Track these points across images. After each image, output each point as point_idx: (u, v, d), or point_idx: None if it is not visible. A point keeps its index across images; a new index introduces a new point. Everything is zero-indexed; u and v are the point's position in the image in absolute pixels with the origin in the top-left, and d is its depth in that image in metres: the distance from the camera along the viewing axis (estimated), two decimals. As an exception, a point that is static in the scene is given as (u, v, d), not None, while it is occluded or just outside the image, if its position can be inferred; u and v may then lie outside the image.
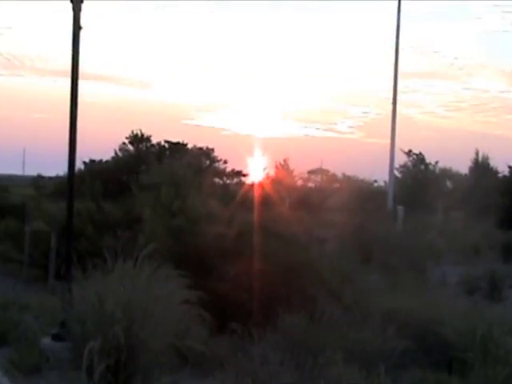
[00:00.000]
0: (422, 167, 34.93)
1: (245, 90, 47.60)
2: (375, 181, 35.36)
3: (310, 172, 37.78)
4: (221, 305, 8.48)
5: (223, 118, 46.99)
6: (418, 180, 32.17)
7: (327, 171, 38.59)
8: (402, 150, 33.58)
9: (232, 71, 51.61)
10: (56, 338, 7.70)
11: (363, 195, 29.53)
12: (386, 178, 27.89)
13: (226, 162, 30.51)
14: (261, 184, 19.32)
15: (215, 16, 51.54)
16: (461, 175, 34.95)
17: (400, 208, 21.62)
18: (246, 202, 13.31)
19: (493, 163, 33.58)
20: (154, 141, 28.97)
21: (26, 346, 7.93)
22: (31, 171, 34.14)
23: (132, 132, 28.85)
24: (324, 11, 50.47)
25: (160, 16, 49.73)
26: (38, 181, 30.52)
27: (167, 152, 27.91)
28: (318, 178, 38.54)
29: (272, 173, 31.96)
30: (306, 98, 56.20)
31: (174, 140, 29.12)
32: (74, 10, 8.23)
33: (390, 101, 26.00)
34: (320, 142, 47.87)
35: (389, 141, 26.04)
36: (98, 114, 40.58)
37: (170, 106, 49.22)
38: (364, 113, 55.63)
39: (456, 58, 57.26)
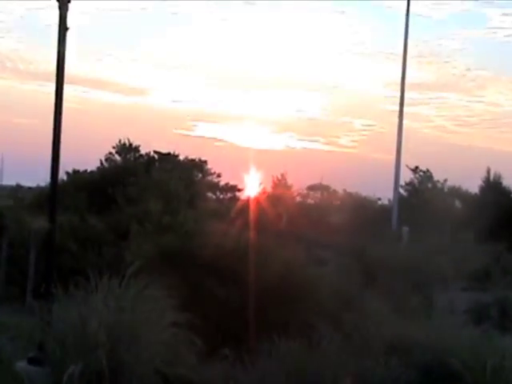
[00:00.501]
0: (430, 185, 34.99)
1: (241, 99, 47.67)
2: (379, 199, 35.40)
3: (309, 188, 37.82)
4: (212, 328, 8.47)
5: (217, 129, 46.96)
6: (424, 199, 32.19)
7: (328, 187, 38.64)
8: (407, 167, 33.64)
9: (228, 79, 51.71)
10: (33, 361, 7.64)
11: (366, 214, 29.57)
12: (391, 195, 27.91)
13: (219, 175, 30.59)
14: (257, 200, 19.33)
15: (214, 17, 51.64)
16: (471, 194, 34.98)
17: (405, 229, 21.61)
18: (241, 218, 13.31)
19: (505, 182, 33.67)
20: (143, 151, 29.00)
21: (0, 370, 7.88)
22: (9, 180, 34.02)
23: (119, 141, 28.86)
24: (328, 13, 50.64)
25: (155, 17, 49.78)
26: (17, 191, 30.44)
27: (156, 163, 27.91)
28: (318, 194, 38.57)
29: (269, 188, 32.07)
30: (307, 110, 56.33)
31: (164, 150, 29.16)
32: (60, 9, 8.24)
33: (396, 114, 26.13)
34: (320, 156, 47.86)
35: (394, 156, 26.12)
36: (83, 121, 40.54)
37: (160, 114, 49.25)
38: (368, 126, 55.69)
39: (468, 69, 57.37)
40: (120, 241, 11.68)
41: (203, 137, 49.18)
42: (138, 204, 13.02)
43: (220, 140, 52.94)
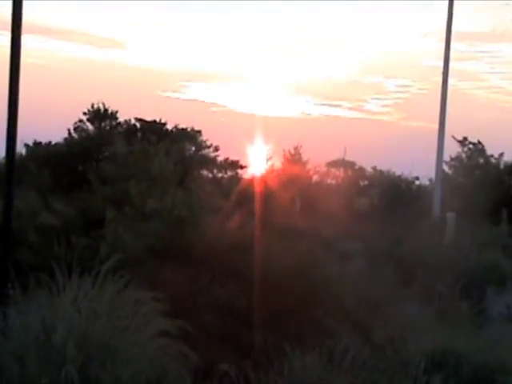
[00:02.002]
0: (481, 161, 34.97)
1: (245, 54, 47.61)
2: (417, 178, 35.40)
3: (329, 164, 37.86)
4: (209, 339, 8.51)
5: (214, 90, 46.99)
6: (474, 178, 32.19)
7: (353, 164, 38.67)
8: (453, 138, 33.68)
9: (228, 29, 51.59)
10: (-16, 380, 7.68)
11: (400, 197, 29.59)
12: (432, 174, 28.01)
13: (217, 148, 30.57)
14: (263, 179, 19.39)
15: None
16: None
17: (450, 215, 21.65)
18: (244, 202, 13.33)
19: None
20: (122, 118, 29.01)
21: None
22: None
23: (92, 106, 28.88)
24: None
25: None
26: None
27: (138, 133, 27.93)
28: (341, 172, 38.62)
29: (279, 164, 32.12)
30: (327, 67, 56.14)
31: (148, 118, 29.17)
32: None
33: (440, 71, 26.08)
34: (344, 124, 47.89)
35: (436, 125, 26.14)
36: (46, 81, 40.56)
37: (143, 72, 49.23)
38: (403, 87, 55.62)
39: (532, 14, 57.05)
40: (93, 229, 11.71)
41: (196, 100, 49.27)
42: (116, 184, 13.01)
43: (218, 105, 52.99)
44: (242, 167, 29.81)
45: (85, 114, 28.91)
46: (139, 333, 7.06)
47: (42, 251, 11.30)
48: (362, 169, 38.15)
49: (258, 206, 12.49)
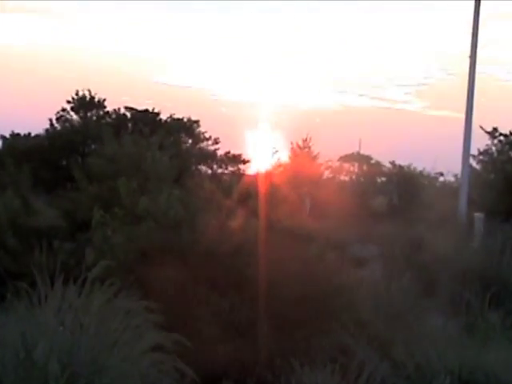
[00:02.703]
0: (513, 154, 34.93)
1: (249, 36, 47.60)
2: (441, 174, 35.42)
3: (342, 158, 37.88)
4: (208, 353, 8.52)
5: (214, 77, 47.01)
6: (505, 173, 32.12)
7: (369, 158, 38.69)
8: (482, 129, 33.59)
9: (231, 6, 51.60)
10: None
11: (423, 195, 29.57)
12: (458, 170, 27.94)
13: (217, 141, 30.62)
14: (269, 175, 19.37)
15: None
16: None
17: (478, 216, 21.61)
18: (247, 201, 13.34)
19: None
20: (110, 107, 29.05)
21: None
22: None
23: (76, 93, 28.91)
24: None
25: None
26: None
27: (129, 124, 27.99)
28: (355, 167, 38.63)
29: (286, 159, 32.12)
30: (340, 52, 56.21)
31: (140, 107, 29.22)
32: None
33: (467, 55, 26.01)
34: (359, 114, 47.93)
35: (463, 115, 26.07)
36: (23, 64, 40.59)
37: (134, 56, 49.30)
38: (427, 73, 55.62)
39: None
40: (78, 233, 11.73)
41: (194, 88, 49.26)
42: (104, 181, 13.05)
43: (217, 93, 53.01)
44: (244, 162, 29.84)
45: (69, 102, 28.96)
46: (130, 347, 7.06)
47: (21, 257, 11.32)
48: (378, 164, 38.15)
49: (262, 205, 12.48)
